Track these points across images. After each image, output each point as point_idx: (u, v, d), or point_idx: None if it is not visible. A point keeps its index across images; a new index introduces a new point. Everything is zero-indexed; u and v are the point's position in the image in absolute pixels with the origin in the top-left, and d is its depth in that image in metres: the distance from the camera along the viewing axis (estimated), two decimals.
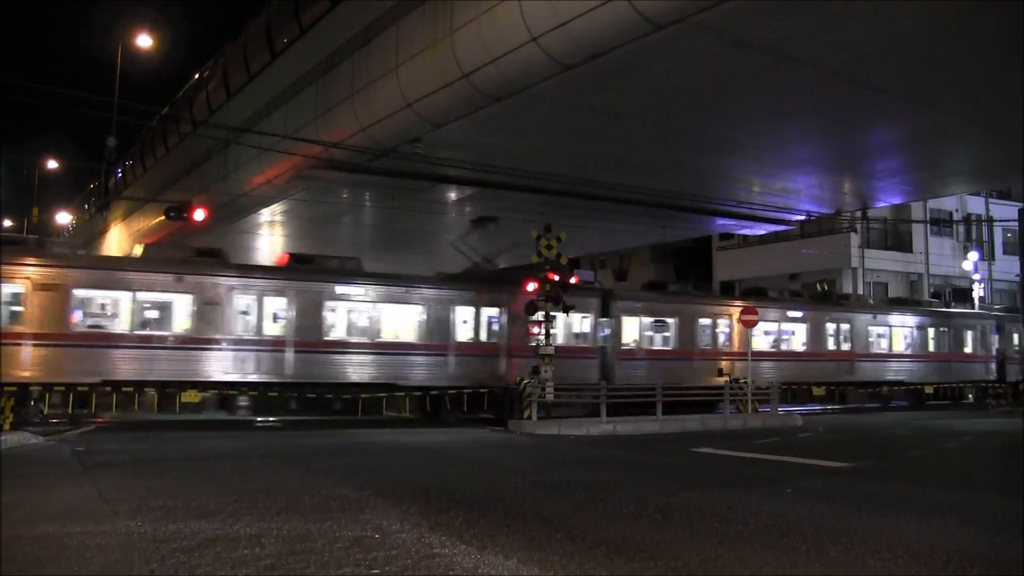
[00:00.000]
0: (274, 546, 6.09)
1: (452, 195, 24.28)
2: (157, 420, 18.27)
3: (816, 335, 26.96)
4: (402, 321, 20.35)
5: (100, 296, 17.73)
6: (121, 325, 17.57)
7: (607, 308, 22.76)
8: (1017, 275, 39.18)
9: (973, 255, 39.33)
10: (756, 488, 9.73)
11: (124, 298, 17.59)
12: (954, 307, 34.07)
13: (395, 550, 6.02)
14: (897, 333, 29.27)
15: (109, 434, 16.27)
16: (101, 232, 45.55)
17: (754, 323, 22.49)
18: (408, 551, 5.99)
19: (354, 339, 19.66)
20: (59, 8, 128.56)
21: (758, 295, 27.74)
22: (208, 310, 18.02)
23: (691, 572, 5.65)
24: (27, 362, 16.37)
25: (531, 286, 19.46)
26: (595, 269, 47.26)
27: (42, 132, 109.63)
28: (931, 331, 30.07)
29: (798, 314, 26.77)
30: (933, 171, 23.94)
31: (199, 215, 19.02)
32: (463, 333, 20.84)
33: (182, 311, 18.10)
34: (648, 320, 23.78)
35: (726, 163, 22.08)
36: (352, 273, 20.21)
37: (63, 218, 58.71)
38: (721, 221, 30.21)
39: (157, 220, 31.49)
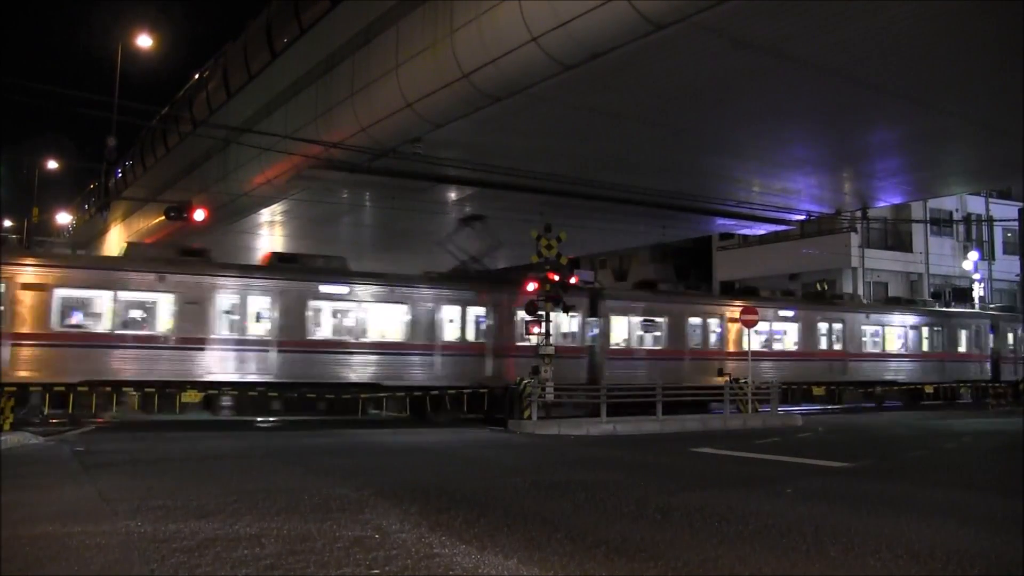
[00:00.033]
0: (274, 546, 6.10)
1: (452, 195, 24.28)
2: (157, 420, 18.27)
3: (808, 335, 26.84)
4: (387, 321, 20.17)
5: (81, 295, 17.52)
6: (102, 325, 17.43)
7: (596, 307, 22.58)
8: (1017, 275, 39.21)
9: (973, 255, 39.34)
10: (756, 488, 9.73)
11: (105, 297, 17.44)
12: (950, 307, 34.06)
13: (395, 550, 6.02)
14: (890, 333, 29.17)
15: (109, 434, 16.28)
16: (101, 232, 45.58)
17: (754, 323, 22.46)
18: (408, 551, 5.99)
19: (338, 338, 19.52)
20: (59, 8, 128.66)
21: (750, 294, 27.67)
22: (191, 309, 17.87)
23: (691, 572, 5.65)
24: (7, 361, 16.15)
25: (531, 286, 19.44)
26: (595, 269, 47.28)
27: (42, 132, 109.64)
28: (925, 330, 29.98)
29: (790, 313, 26.62)
30: (933, 171, 23.94)
31: (199, 215, 19.01)
32: (449, 332, 20.64)
33: (165, 310, 17.94)
34: (638, 319, 23.58)
35: (726, 163, 22.07)
36: (336, 272, 20.06)
37: (63, 218, 58.72)
38: (721, 221, 30.21)
39: (157, 220, 31.50)
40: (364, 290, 19.78)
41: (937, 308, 32.40)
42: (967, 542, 6.65)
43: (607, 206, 24.82)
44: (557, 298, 19.27)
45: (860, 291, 36.40)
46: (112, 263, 18.62)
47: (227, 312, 18.55)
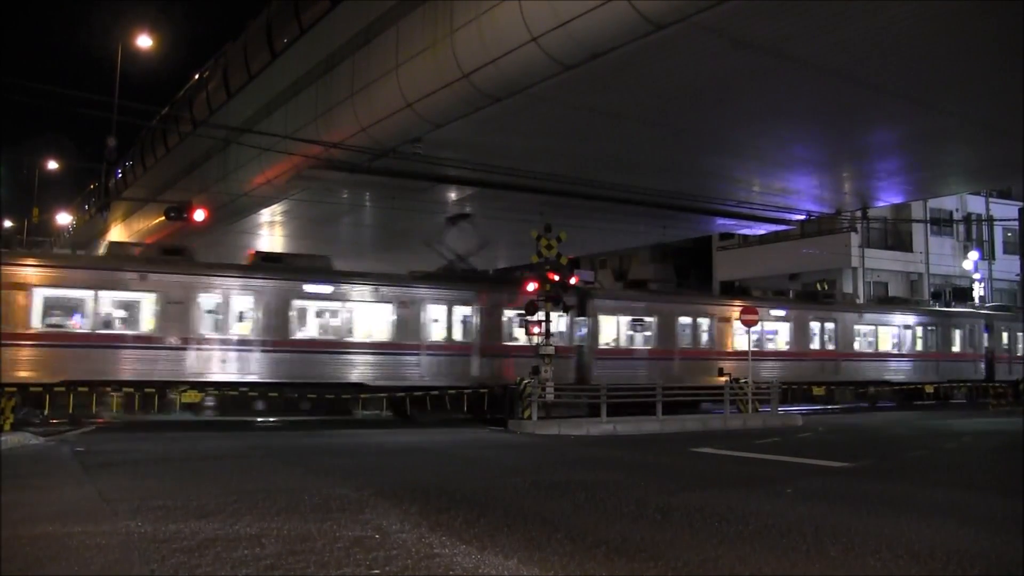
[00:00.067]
0: (274, 546, 6.09)
1: (452, 195, 24.28)
2: (157, 421, 18.27)
3: (800, 335, 26.66)
4: (371, 320, 20.00)
5: (61, 295, 17.34)
6: (83, 324, 17.29)
7: (584, 307, 22.43)
8: (1017, 274, 39.20)
9: (973, 254, 39.34)
10: (756, 488, 9.73)
11: (86, 297, 17.26)
12: (950, 306, 33.96)
13: (395, 550, 6.02)
14: (884, 332, 28.99)
15: (109, 434, 16.28)
16: (101, 232, 45.54)
17: (754, 323, 22.45)
18: (408, 551, 5.99)
19: (322, 338, 19.38)
20: (59, 8, 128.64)
21: (742, 294, 27.61)
22: (173, 309, 17.73)
23: (691, 572, 5.65)
24: None
25: (531, 286, 19.44)
26: (595, 269, 47.28)
27: (42, 132, 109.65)
28: (919, 330, 29.81)
29: (781, 313, 26.42)
30: (933, 171, 23.94)
31: (199, 215, 18.97)
32: (435, 332, 20.44)
33: (146, 310, 17.79)
34: (627, 319, 23.37)
35: (726, 163, 22.08)
36: (320, 271, 19.90)
37: (63, 218, 58.73)
38: (721, 221, 30.21)
39: (157, 220, 31.50)
40: (348, 289, 19.60)
41: (930, 307, 32.27)
42: (967, 542, 6.65)
43: (607, 206, 24.82)
44: (557, 298, 19.27)
45: (860, 291, 36.41)
46: (93, 262, 18.44)
47: (210, 312, 18.38)
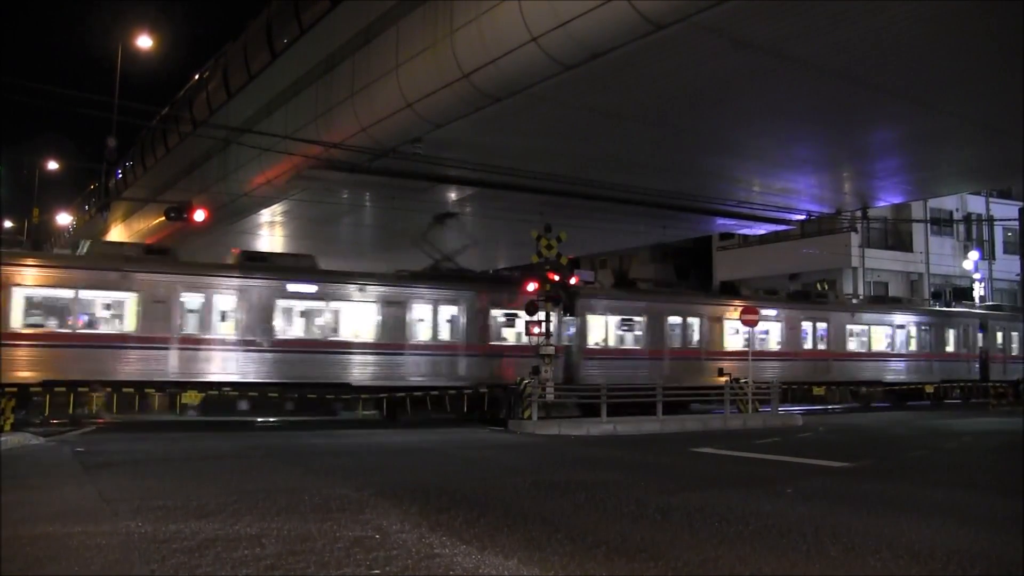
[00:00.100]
0: (274, 546, 6.10)
1: (452, 195, 24.27)
2: (158, 421, 18.27)
3: (791, 334, 26.46)
4: (356, 319, 19.85)
5: (41, 294, 17.14)
6: (64, 323, 17.12)
7: (572, 306, 22.22)
8: (1017, 274, 39.22)
9: (973, 254, 39.33)
10: (756, 488, 9.73)
11: (67, 295, 17.10)
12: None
13: (395, 550, 6.02)
14: (876, 332, 28.79)
15: (110, 434, 16.28)
16: (102, 233, 45.55)
17: (755, 323, 22.45)
18: (408, 551, 5.99)
19: (306, 337, 19.20)
20: (59, 8, 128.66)
21: (733, 293, 27.54)
22: (155, 308, 17.55)
23: (691, 572, 5.65)
24: None
25: (531, 286, 19.44)
26: (595, 269, 47.30)
27: (42, 132, 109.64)
28: (912, 329, 29.59)
29: (772, 313, 26.17)
30: (933, 171, 23.93)
31: (199, 216, 18.96)
32: (421, 332, 20.26)
33: (128, 309, 17.61)
34: (615, 319, 23.17)
35: (726, 163, 22.08)
36: (305, 271, 19.75)
37: (64, 219, 58.75)
38: (721, 221, 30.21)
39: (157, 221, 31.50)
40: (333, 289, 19.47)
41: (924, 307, 32.15)
42: (967, 542, 6.65)
43: (607, 206, 24.81)
44: (557, 298, 19.28)
45: (860, 291, 36.40)
46: (74, 261, 18.22)
47: (193, 311, 18.22)
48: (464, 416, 20.13)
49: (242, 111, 25.16)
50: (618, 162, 21.46)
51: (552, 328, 21.48)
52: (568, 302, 21.47)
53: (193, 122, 28.86)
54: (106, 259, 17.95)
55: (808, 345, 27.00)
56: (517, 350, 20.97)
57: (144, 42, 28.51)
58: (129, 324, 17.61)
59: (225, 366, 18.14)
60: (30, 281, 16.86)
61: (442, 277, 21.38)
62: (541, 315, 19.38)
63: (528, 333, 19.81)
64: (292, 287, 19.08)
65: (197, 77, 32.54)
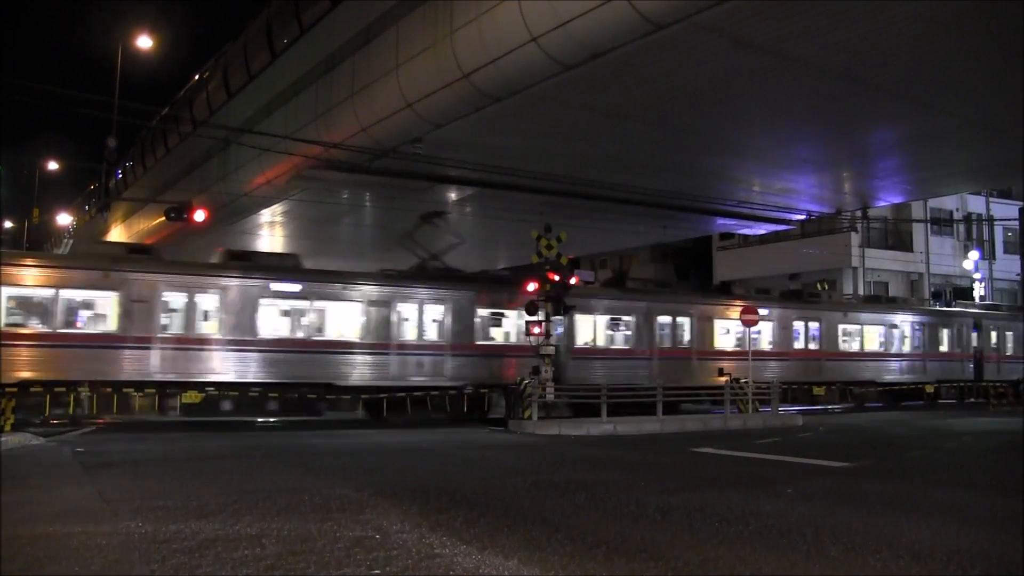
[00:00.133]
0: (275, 546, 6.10)
1: (452, 195, 24.27)
2: (158, 421, 18.26)
3: (782, 334, 26.25)
4: (340, 319, 19.70)
5: (21, 293, 16.95)
6: (44, 323, 16.90)
7: (559, 306, 22.23)
8: (1018, 274, 39.23)
9: (974, 254, 39.34)
10: (756, 488, 9.73)
11: (46, 295, 16.87)
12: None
13: (396, 550, 6.02)
14: (869, 331, 28.54)
15: (110, 434, 16.28)
16: (102, 233, 45.57)
17: (754, 323, 22.43)
18: (409, 551, 5.99)
19: (290, 336, 18.98)
20: (59, 8, 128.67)
21: (723, 292, 27.37)
22: (136, 308, 17.35)
23: (691, 572, 5.65)
24: None
25: (531, 286, 19.43)
26: (595, 269, 47.31)
27: (42, 132, 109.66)
28: (905, 329, 29.37)
29: (763, 312, 25.57)
30: (933, 171, 23.92)
31: (199, 216, 18.94)
32: (406, 331, 20.06)
33: (109, 309, 17.43)
34: (604, 318, 22.96)
35: (726, 163, 22.08)
36: (288, 270, 19.61)
37: (64, 219, 58.77)
38: (721, 221, 30.21)
39: (157, 221, 31.50)
40: (317, 288, 19.34)
41: (917, 306, 32.03)
42: (967, 542, 6.65)
43: (607, 206, 24.80)
44: (558, 298, 19.26)
45: (861, 291, 36.41)
46: (55, 260, 17.99)
47: (175, 310, 18.08)
48: (450, 416, 19.98)
49: (242, 111, 25.16)
50: (618, 162, 21.46)
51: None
52: (556, 302, 21.35)
53: (193, 122, 28.87)
54: (87, 258, 17.75)
55: (799, 345, 26.80)
56: (504, 350, 20.95)
57: (144, 42, 28.52)
58: (111, 324, 17.40)
59: (209, 366, 17.94)
60: (9, 280, 16.59)
61: (428, 277, 21.22)
62: (541, 315, 19.36)
63: (528, 333, 19.80)
64: (276, 286, 18.90)
65: (197, 77, 32.55)
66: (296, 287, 19.17)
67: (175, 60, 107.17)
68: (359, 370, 19.35)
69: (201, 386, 17.76)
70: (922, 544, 6.48)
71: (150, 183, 35.85)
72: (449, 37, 15.71)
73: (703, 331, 24.55)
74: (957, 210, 41.67)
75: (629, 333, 23.32)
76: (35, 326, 16.92)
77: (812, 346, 27.06)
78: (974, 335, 31.19)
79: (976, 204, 41.85)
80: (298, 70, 22.11)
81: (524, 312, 19.72)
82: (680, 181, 23.43)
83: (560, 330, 21.89)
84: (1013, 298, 41.46)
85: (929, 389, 29.53)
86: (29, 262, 17.66)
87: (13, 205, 50.54)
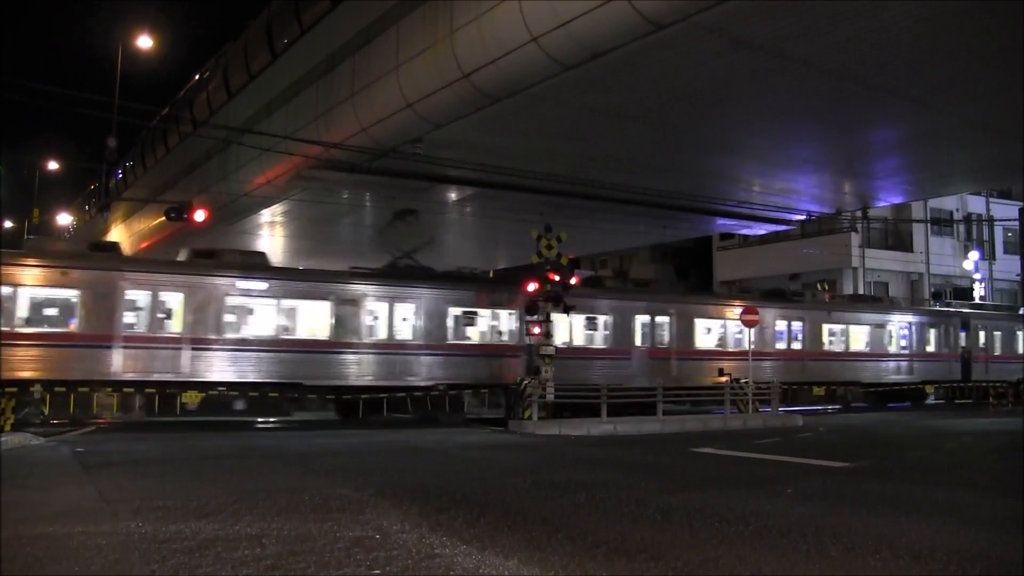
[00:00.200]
0: (275, 546, 6.10)
1: (452, 195, 24.28)
2: (158, 421, 18.25)
3: (765, 333, 25.94)
4: (308, 317, 19.51)
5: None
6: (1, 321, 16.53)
7: (534, 306, 21.99)
8: (1017, 274, 39.22)
9: (974, 254, 39.35)
10: (756, 488, 9.73)
11: (5, 292, 16.47)
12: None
13: (396, 550, 6.02)
14: (855, 331, 28.28)
15: (109, 434, 16.27)
16: (102, 233, 45.57)
17: (754, 323, 22.39)
18: (409, 551, 5.99)
19: (255, 335, 18.76)
20: (59, 8, 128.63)
21: (707, 292, 27.18)
22: (98, 305, 17.13)
23: (691, 572, 5.65)
24: None
25: (531, 286, 19.42)
26: (595, 269, 47.32)
27: (42, 132, 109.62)
28: (891, 329, 29.13)
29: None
30: (933, 171, 23.93)
31: (199, 216, 18.95)
32: (377, 330, 19.94)
33: (71, 307, 17.18)
34: (580, 317, 22.56)
35: (726, 163, 22.08)
36: (255, 268, 19.40)
37: (64, 219, 58.75)
38: (721, 221, 30.20)
39: (158, 221, 31.52)
40: (284, 286, 19.13)
41: (904, 305, 31.81)
42: (967, 542, 6.65)
43: (607, 206, 24.80)
44: (558, 298, 19.26)
45: (861, 291, 36.40)
46: (10, 257, 17.74)
47: (137, 309, 17.84)
48: (422, 416, 19.90)
49: (242, 111, 25.16)
50: (618, 162, 21.46)
51: (514, 327, 21.32)
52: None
53: (193, 122, 28.86)
54: (47, 255, 17.46)
55: (782, 345, 26.51)
56: (477, 349, 20.87)
57: (144, 42, 28.52)
58: (72, 322, 17.14)
59: (170, 364, 17.64)
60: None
61: (398, 275, 21.02)
62: (540, 315, 19.36)
63: (528, 333, 19.78)
64: (242, 284, 18.70)
65: (197, 77, 32.54)
66: (263, 285, 18.93)
67: (175, 60, 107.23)
68: (329, 369, 19.13)
69: (161, 385, 17.45)
70: (922, 544, 6.48)
71: (150, 183, 35.85)
72: (449, 37, 15.71)
73: (683, 331, 24.26)
74: (957, 210, 41.67)
75: (607, 333, 23.07)
76: None
77: (795, 346, 26.79)
78: (962, 335, 30.96)
79: (976, 204, 41.86)
80: (298, 70, 22.11)
81: (497, 312, 19.58)
82: (680, 181, 23.43)
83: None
84: (1013, 298, 41.46)
85: (929, 389, 29.47)
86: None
87: (13, 205, 50.57)
